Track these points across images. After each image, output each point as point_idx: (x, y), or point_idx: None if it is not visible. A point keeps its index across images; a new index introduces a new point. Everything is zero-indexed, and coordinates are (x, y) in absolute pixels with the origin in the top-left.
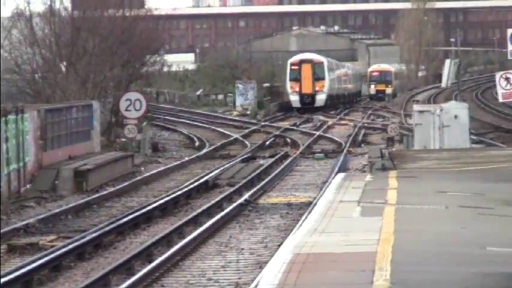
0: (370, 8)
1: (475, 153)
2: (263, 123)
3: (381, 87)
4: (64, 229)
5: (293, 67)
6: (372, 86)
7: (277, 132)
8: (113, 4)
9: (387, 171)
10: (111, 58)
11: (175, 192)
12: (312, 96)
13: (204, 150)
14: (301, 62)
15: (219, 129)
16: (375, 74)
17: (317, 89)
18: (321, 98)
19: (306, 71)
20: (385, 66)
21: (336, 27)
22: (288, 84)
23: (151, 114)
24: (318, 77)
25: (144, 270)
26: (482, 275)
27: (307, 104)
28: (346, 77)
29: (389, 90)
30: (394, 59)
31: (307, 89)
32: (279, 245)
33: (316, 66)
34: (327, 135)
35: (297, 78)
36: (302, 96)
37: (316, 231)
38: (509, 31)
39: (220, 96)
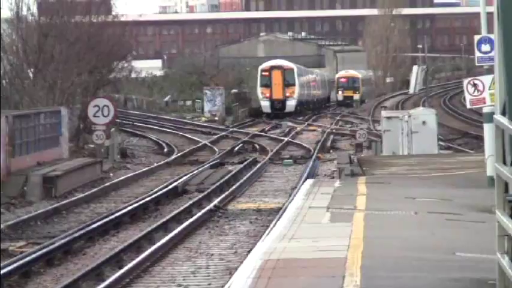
0: (337, 14)
1: (443, 159)
2: (231, 129)
3: (349, 93)
4: (33, 235)
5: (264, 73)
6: (340, 92)
7: (246, 138)
8: (79, 10)
9: (356, 177)
10: (79, 64)
11: (145, 198)
12: (283, 102)
13: (173, 156)
14: (272, 69)
15: (187, 135)
16: (343, 80)
17: (287, 94)
18: (291, 104)
19: (277, 77)
20: (352, 73)
21: (303, 34)
22: (259, 90)
23: (120, 120)
24: (288, 83)
25: (114, 276)
26: (451, 281)
27: (278, 109)
28: (315, 83)
29: (357, 97)
30: (362, 65)
31: (277, 94)
32: (249, 251)
33: (286, 72)
34: (295, 141)
35: (267, 84)
36: (273, 101)
37: (285, 237)
38: (476, 37)
39: (189, 103)
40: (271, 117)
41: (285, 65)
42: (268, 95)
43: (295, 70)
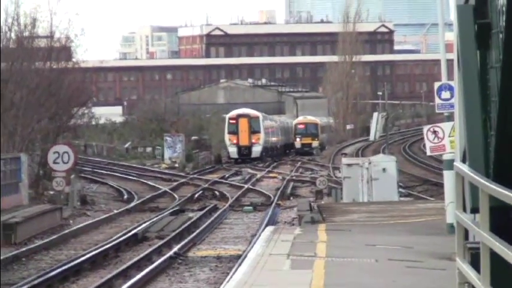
0: (297, 61)
1: (403, 206)
2: (192, 176)
3: (307, 140)
4: None
5: (231, 121)
6: (298, 139)
7: (206, 185)
8: (40, 56)
9: (316, 225)
10: (39, 110)
11: (105, 245)
12: (249, 148)
13: (133, 203)
14: (239, 117)
15: (148, 182)
16: (300, 126)
17: (253, 141)
18: (257, 150)
19: (243, 124)
20: (310, 118)
21: (264, 80)
22: (226, 136)
23: (80, 167)
24: (254, 130)
25: None
26: None
27: (245, 155)
28: (280, 130)
29: (316, 144)
30: (322, 112)
31: (244, 141)
32: None
33: (252, 120)
34: (255, 188)
35: (234, 131)
36: (240, 147)
37: (246, 284)
38: (436, 84)
39: (149, 149)
40: (238, 163)
41: (251, 113)
42: (235, 141)
43: (261, 118)
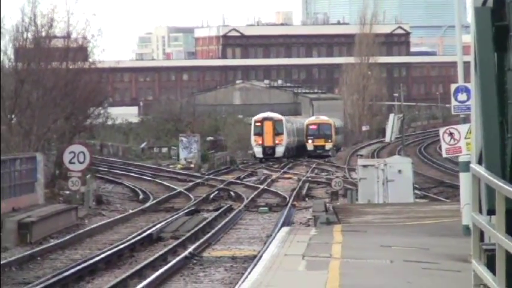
0: (313, 63)
1: (419, 207)
2: (207, 177)
3: (320, 142)
4: (8, 281)
5: (257, 123)
6: (310, 141)
7: (221, 186)
8: (57, 57)
9: (332, 226)
10: (55, 110)
11: (120, 245)
12: (273, 148)
13: (148, 203)
14: (264, 120)
15: (163, 182)
16: (312, 127)
17: (277, 142)
18: (280, 150)
19: (268, 127)
20: (323, 119)
21: (280, 81)
22: (252, 138)
23: (95, 167)
24: (277, 132)
25: None
26: None
27: (269, 154)
28: (300, 131)
29: (329, 146)
30: (338, 113)
31: (268, 142)
32: None
33: (276, 123)
34: (271, 188)
35: (260, 132)
36: (264, 148)
37: (261, 285)
38: (453, 86)
39: (164, 149)
40: (263, 161)
41: (275, 116)
42: (260, 142)
43: (284, 121)
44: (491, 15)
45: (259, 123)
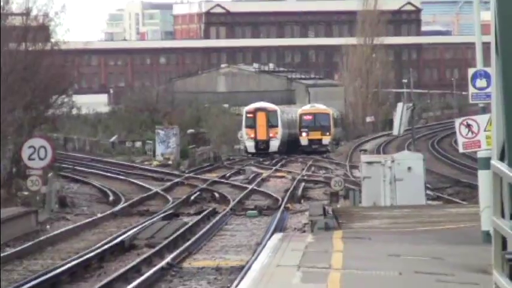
0: (310, 44)
1: (431, 211)
2: (187, 175)
3: (315, 135)
4: None
5: (248, 115)
6: (304, 134)
7: (204, 186)
8: (14, 37)
9: (331, 231)
10: (12, 99)
11: (86, 254)
12: (267, 142)
13: (120, 206)
14: (256, 110)
15: (136, 181)
16: (307, 117)
17: (271, 135)
18: (274, 144)
19: (261, 118)
20: (320, 107)
21: (271, 65)
22: (244, 130)
23: (59, 164)
24: (271, 125)
25: None
26: None
27: (262, 149)
28: (292, 123)
29: (327, 140)
30: (338, 102)
31: (261, 135)
32: None
33: (270, 114)
34: (261, 189)
35: (252, 125)
36: (257, 142)
37: None
38: (471, 71)
39: (138, 144)
40: (255, 156)
41: (269, 107)
42: (252, 135)
43: (278, 112)
44: None
45: (251, 115)
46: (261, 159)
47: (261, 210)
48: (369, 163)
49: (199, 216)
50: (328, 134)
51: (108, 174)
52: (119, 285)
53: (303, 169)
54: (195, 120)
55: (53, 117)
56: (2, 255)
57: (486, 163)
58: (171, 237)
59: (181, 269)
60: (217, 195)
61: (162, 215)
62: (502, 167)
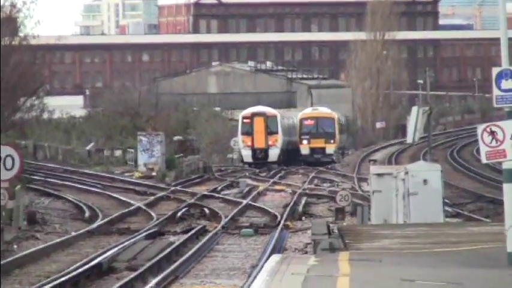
0: (312, 39)
1: (450, 229)
2: (173, 188)
3: (318, 143)
4: None
5: (245, 120)
6: (304, 142)
7: (192, 200)
8: None
9: (336, 253)
10: None
11: (59, 277)
12: (265, 151)
13: (97, 223)
14: (254, 115)
15: (116, 195)
16: (308, 122)
17: (270, 143)
18: (274, 153)
19: (259, 124)
20: (323, 111)
21: (269, 64)
22: (240, 138)
23: (28, 175)
24: (271, 131)
25: None
26: None
27: (260, 158)
28: (292, 129)
29: (331, 148)
30: (345, 105)
31: (260, 143)
32: None
33: (269, 119)
34: (257, 204)
35: (249, 132)
36: (255, 150)
37: None
38: (495, 71)
39: (118, 153)
40: (252, 167)
41: (268, 111)
42: (249, 143)
43: (279, 117)
44: None
45: (248, 120)
46: (257, 171)
47: (257, 229)
48: (379, 175)
49: (187, 235)
50: (332, 141)
51: (84, 187)
52: None
53: (305, 182)
54: (182, 125)
55: (21, 121)
56: None
57: None
58: (155, 259)
59: None
60: (207, 211)
61: (144, 234)
62: None
